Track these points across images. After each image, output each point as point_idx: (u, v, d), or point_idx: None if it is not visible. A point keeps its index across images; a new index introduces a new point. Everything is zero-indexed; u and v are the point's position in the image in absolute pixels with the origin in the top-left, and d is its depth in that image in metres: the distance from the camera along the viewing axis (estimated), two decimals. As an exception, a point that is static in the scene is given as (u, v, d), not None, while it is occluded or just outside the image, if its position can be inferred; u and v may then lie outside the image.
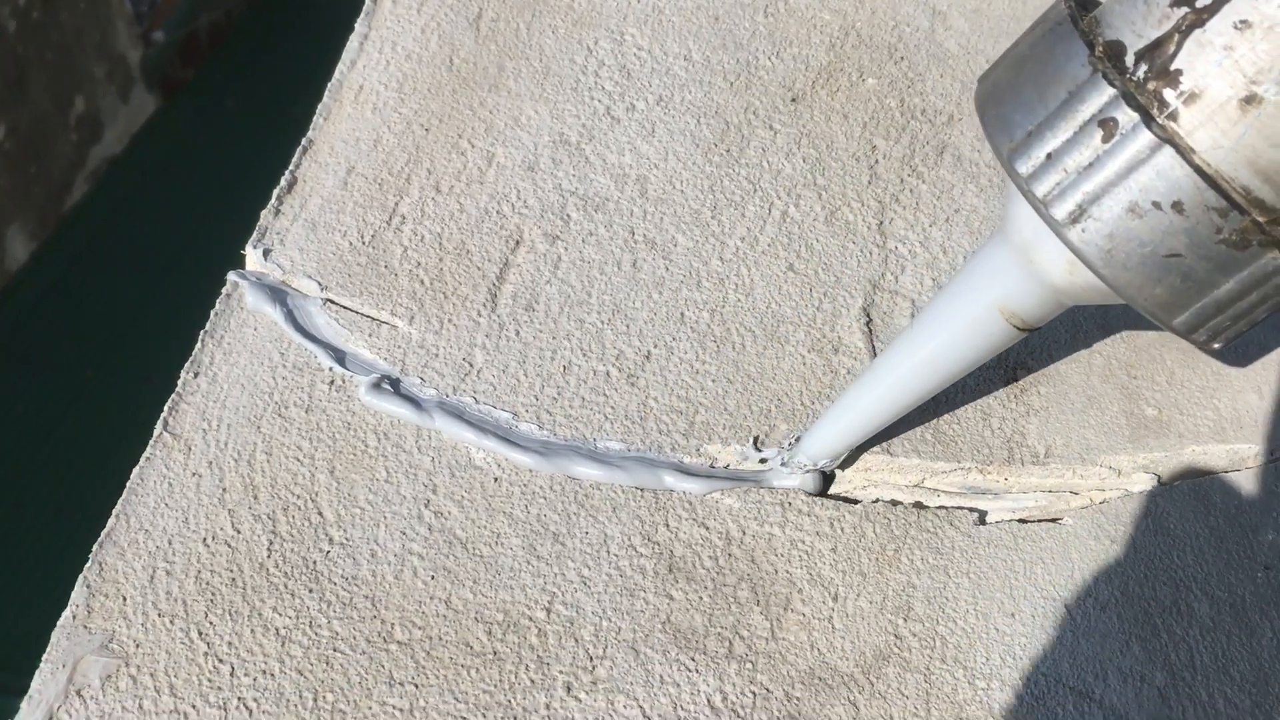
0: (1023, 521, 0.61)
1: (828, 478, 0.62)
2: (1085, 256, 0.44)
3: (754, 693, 0.55)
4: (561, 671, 0.55)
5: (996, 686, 0.56)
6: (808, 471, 0.61)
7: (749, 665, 0.56)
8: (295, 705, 0.54)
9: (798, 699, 0.55)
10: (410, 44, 0.79)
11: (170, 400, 0.63)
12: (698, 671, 0.55)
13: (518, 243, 0.70)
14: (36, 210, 3.18)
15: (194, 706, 0.53)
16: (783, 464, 0.62)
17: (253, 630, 0.56)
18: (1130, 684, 0.56)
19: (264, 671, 0.54)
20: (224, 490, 0.60)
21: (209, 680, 0.54)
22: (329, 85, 0.77)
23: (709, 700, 0.55)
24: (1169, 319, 0.45)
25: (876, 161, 0.75)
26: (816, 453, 0.61)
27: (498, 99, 0.76)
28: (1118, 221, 0.43)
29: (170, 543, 0.58)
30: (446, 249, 0.69)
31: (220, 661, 0.55)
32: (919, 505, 0.61)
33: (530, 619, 0.57)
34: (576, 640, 0.56)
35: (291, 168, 0.72)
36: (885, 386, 0.57)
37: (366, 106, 0.75)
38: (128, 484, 0.60)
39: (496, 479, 0.61)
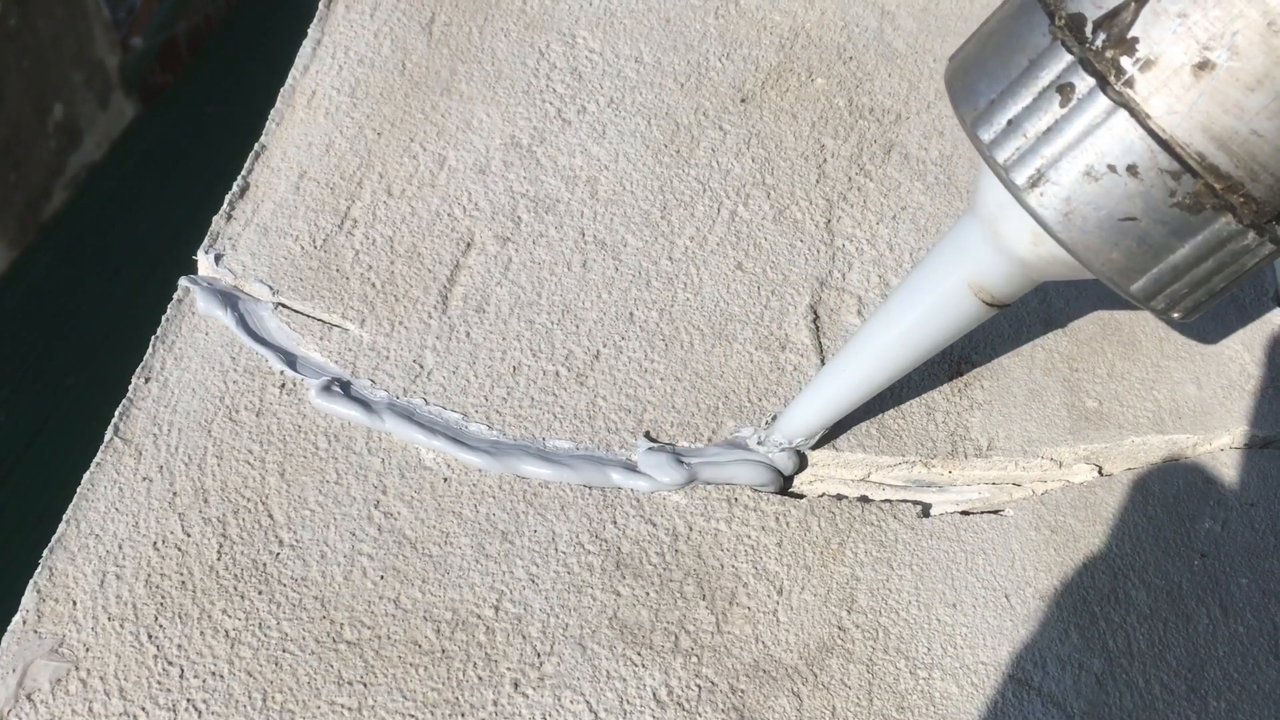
0: (965, 513, 0.62)
1: (802, 457, 0.63)
2: (1044, 220, 0.44)
3: (699, 686, 0.56)
4: (509, 668, 0.56)
5: (938, 676, 0.56)
6: (783, 450, 0.62)
7: (694, 659, 0.57)
8: (244, 706, 0.54)
9: (742, 691, 0.56)
10: (363, 49, 0.80)
11: (121, 405, 0.63)
12: (644, 666, 0.56)
13: (469, 245, 0.70)
14: (16, 218, 3.17)
15: (144, 709, 0.54)
16: (759, 443, 0.62)
17: (202, 633, 0.56)
18: (1068, 671, 0.57)
19: (213, 673, 0.55)
20: (174, 494, 0.60)
21: (158, 682, 0.55)
22: (281, 91, 0.77)
23: (654, 694, 0.55)
24: (1126, 285, 0.45)
25: (825, 160, 0.76)
26: (792, 431, 0.61)
27: (450, 103, 0.77)
28: (1074, 185, 0.43)
29: (120, 547, 0.58)
30: (398, 252, 0.70)
31: (170, 664, 0.55)
32: (864, 499, 0.62)
33: (479, 617, 0.57)
34: (524, 637, 0.57)
35: (244, 173, 0.73)
36: (860, 363, 0.57)
37: (319, 111, 0.76)
38: (78, 489, 0.60)
39: (446, 479, 0.62)
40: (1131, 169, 0.42)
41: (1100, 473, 0.64)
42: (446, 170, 0.74)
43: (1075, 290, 0.70)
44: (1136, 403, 0.65)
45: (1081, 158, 0.43)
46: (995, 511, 0.62)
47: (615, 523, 0.61)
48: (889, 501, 0.62)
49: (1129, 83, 0.41)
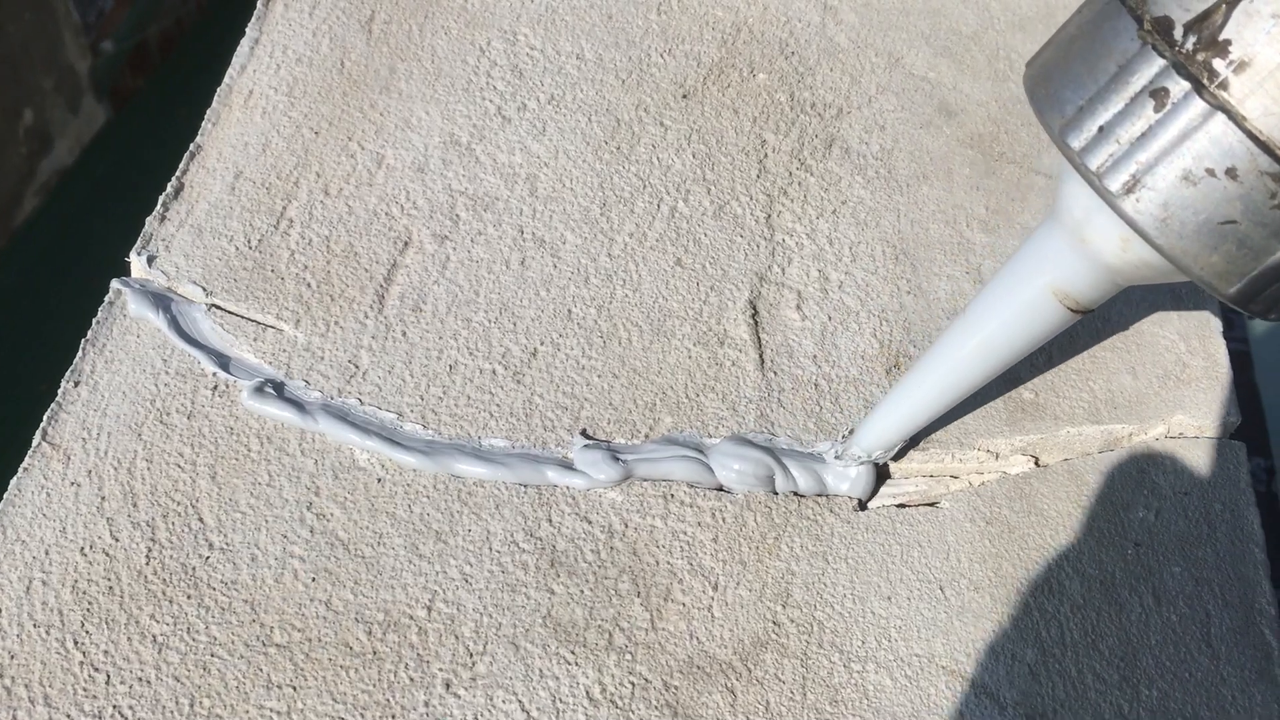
0: (902, 506, 0.62)
1: (881, 470, 0.63)
2: (1140, 226, 0.44)
3: (633, 683, 0.56)
4: (441, 669, 0.55)
5: (871, 669, 0.56)
6: (862, 463, 0.61)
7: (628, 656, 0.56)
8: (171, 711, 0.54)
9: (676, 688, 0.55)
10: (301, 47, 0.79)
11: (50, 410, 0.62)
12: (577, 664, 0.56)
13: (406, 244, 0.70)
14: (-14, 225, 3.13)
15: (69, 716, 0.53)
16: (836, 457, 0.62)
17: (129, 638, 0.55)
18: (1001, 662, 0.57)
19: (140, 679, 0.54)
20: (103, 499, 0.59)
21: (84, 689, 0.54)
22: (218, 90, 0.76)
23: (587, 692, 0.55)
24: (1225, 288, 0.45)
25: (766, 155, 0.76)
26: (870, 445, 0.61)
27: (389, 101, 0.76)
28: (1172, 190, 0.43)
29: (47, 553, 0.58)
30: (334, 252, 0.69)
31: (96, 670, 0.54)
32: (799, 494, 0.62)
33: (411, 618, 0.57)
34: (457, 637, 0.56)
35: (178, 174, 0.72)
36: (939, 375, 0.57)
37: (256, 111, 0.75)
38: (5, 495, 0.59)
39: (380, 480, 0.61)
40: (1230, 172, 0.42)
41: (1037, 464, 0.64)
42: (385, 169, 0.73)
43: (1013, 282, 0.70)
44: (1072, 394, 0.65)
45: (1179, 162, 0.43)
46: (932, 504, 0.62)
47: (550, 521, 0.60)
48: (825, 496, 0.62)
49: (1223, 85, 0.41)
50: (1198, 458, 0.64)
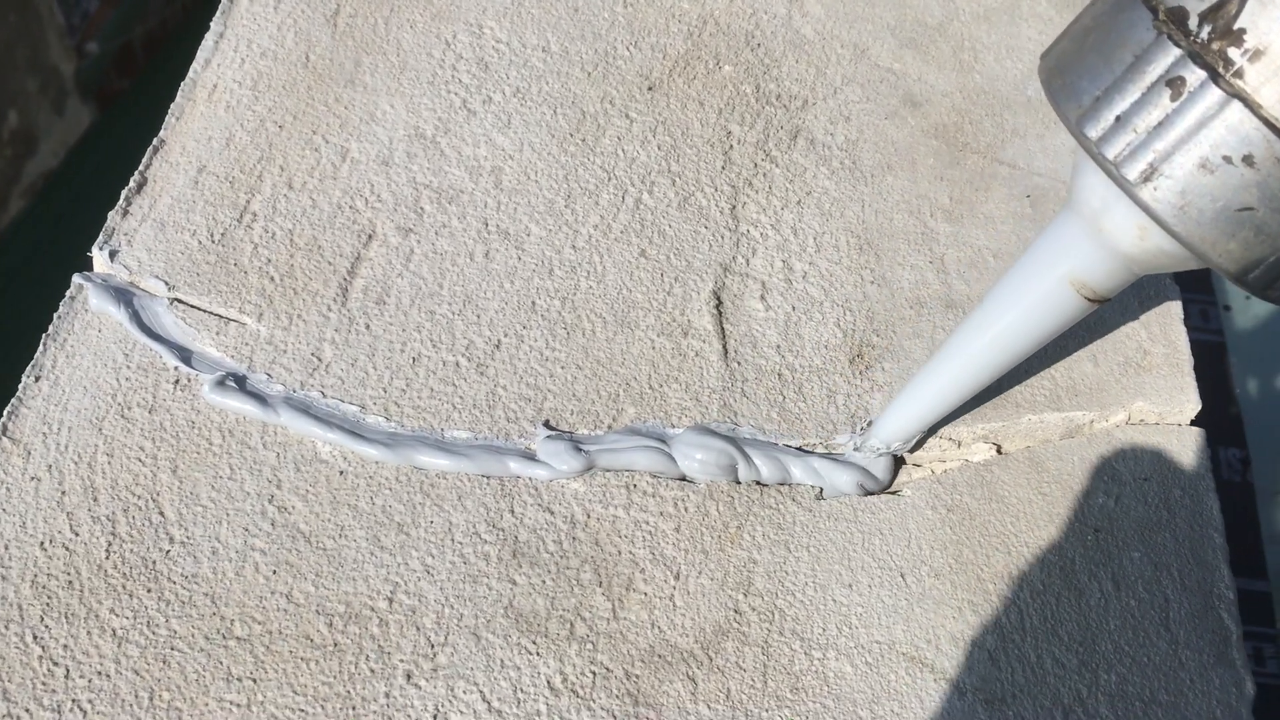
0: (865, 494, 0.62)
1: (898, 461, 0.63)
2: (1158, 215, 0.45)
3: (594, 672, 0.56)
4: (402, 660, 0.55)
5: (832, 656, 0.57)
6: (881, 455, 0.62)
7: (589, 646, 0.56)
8: (131, 705, 0.53)
9: (637, 676, 0.56)
10: (266, 41, 0.79)
11: (10, 405, 0.62)
12: (538, 654, 0.56)
13: (370, 237, 0.70)
14: (-29, 229, 3.11)
15: (27, 710, 0.53)
16: (856, 449, 0.62)
17: (89, 632, 0.55)
18: (961, 648, 0.57)
19: (99, 673, 0.54)
20: (63, 493, 0.59)
21: (43, 683, 0.54)
22: (182, 85, 0.76)
23: (549, 682, 0.55)
24: (1243, 274, 0.45)
25: (731, 147, 0.76)
26: (889, 436, 0.61)
27: (353, 94, 0.76)
28: (1190, 178, 0.43)
29: (6, 548, 0.57)
30: (298, 245, 0.69)
31: (55, 664, 0.54)
32: (760, 483, 0.62)
33: (372, 609, 0.57)
34: (418, 628, 0.56)
35: (141, 168, 0.72)
36: (958, 366, 0.57)
37: (220, 105, 0.75)
38: (-36, 491, 0.59)
39: (342, 472, 0.61)
40: (1248, 159, 0.42)
41: (999, 451, 0.64)
42: (349, 162, 0.73)
43: (976, 272, 0.70)
44: (1034, 381, 0.66)
45: (1196, 150, 0.43)
46: (893, 492, 0.63)
47: (513, 512, 0.60)
48: (787, 484, 0.62)
49: (1239, 73, 0.41)
50: (1158, 444, 0.64)
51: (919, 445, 0.63)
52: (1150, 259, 0.49)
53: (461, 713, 0.54)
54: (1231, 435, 1.28)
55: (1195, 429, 0.65)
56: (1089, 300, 0.52)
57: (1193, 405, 0.65)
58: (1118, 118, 0.44)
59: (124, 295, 0.66)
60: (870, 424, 0.63)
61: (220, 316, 0.66)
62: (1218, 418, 1.31)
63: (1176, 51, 0.43)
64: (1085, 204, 0.49)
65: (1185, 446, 0.64)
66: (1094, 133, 0.45)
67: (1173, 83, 0.43)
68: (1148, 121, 0.44)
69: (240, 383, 0.63)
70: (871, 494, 0.62)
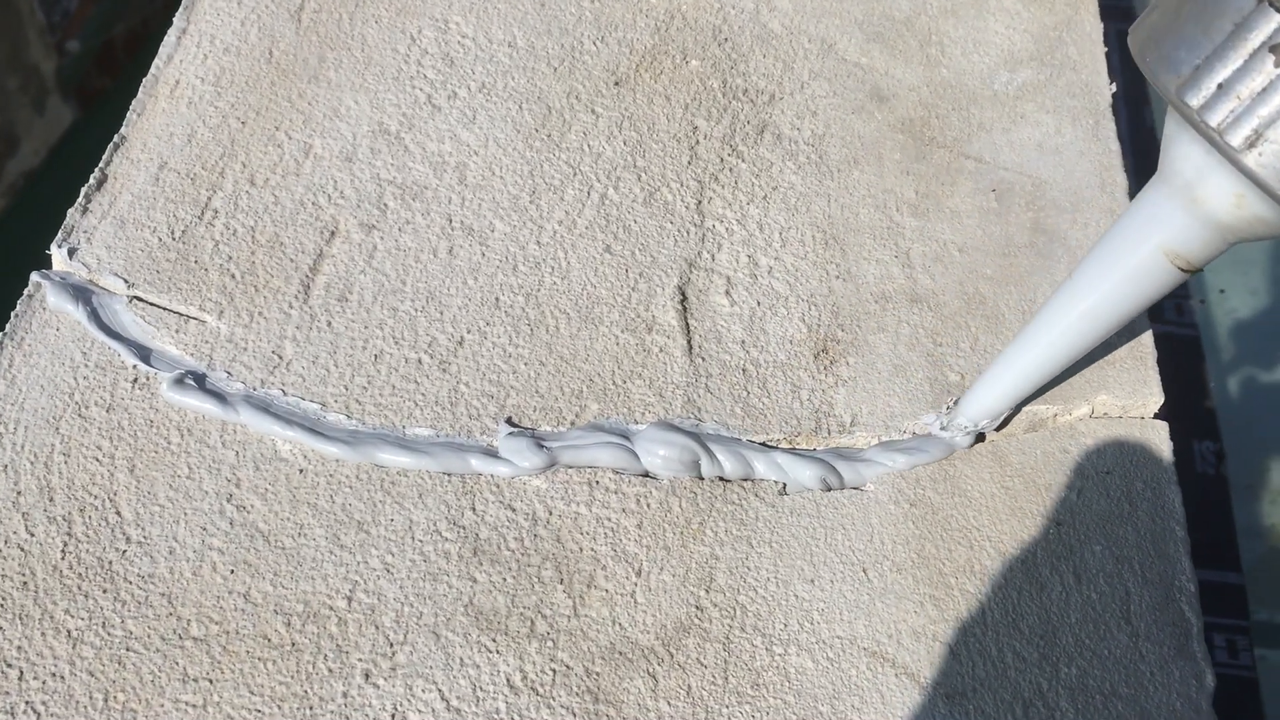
0: (827, 489, 0.62)
1: (980, 438, 0.63)
2: (1263, 180, 0.45)
3: (554, 670, 0.55)
4: (360, 659, 0.55)
5: (793, 651, 0.56)
6: (968, 433, 0.62)
7: (550, 643, 0.56)
8: (85, 706, 0.53)
9: (597, 674, 0.55)
10: (229, 37, 0.78)
11: (-35, 405, 0.61)
12: (498, 652, 0.56)
13: (333, 233, 0.69)
14: (-52, 229, 3.08)
15: (-20, 713, 0.52)
16: (942, 428, 0.62)
17: (43, 633, 0.55)
18: (922, 642, 0.57)
19: (54, 674, 0.54)
20: (19, 494, 0.59)
21: (-4, 686, 0.53)
22: (144, 81, 0.76)
23: (508, 680, 0.55)
24: None
25: (697, 142, 0.75)
26: (977, 414, 0.61)
27: (317, 90, 0.76)
28: None
29: (-40, 549, 0.57)
30: (259, 242, 0.69)
31: (8, 666, 0.54)
32: (723, 478, 0.62)
33: (331, 608, 0.56)
34: (377, 627, 0.56)
35: (102, 165, 0.71)
36: (1047, 342, 0.57)
37: (182, 101, 0.74)
38: (-82, 491, 0.59)
39: (302, 470, 0.61)
40: None
41: (962, 446, 0.64)
42: (312, 158, 0.73)
43: (941, 266, 0.70)
44: (998, 375, 0.66)
45: None
46: (856, 487, 0.62)
47: (474, 509, 0.60)
48: (750, 480, 0.62)
49: None
50: (1121, 437, 0.64)
51: (1005, 423, 0.63)
52: (1246, 227, 0.49)
53: (420, 711, 0.54)
54: (1206, 429, 1.28)
55: (1158, 422, 0.65)
56: (1182, 270, 0.52)
57: (1156, 399, 0.65)
58: (1220, 85, 0.45)
59: (83, 293, 0.65)
60: (956, 402, 0.63)
61: (180, 314, 0.66)
62: (1192, 412, 1.31)
63: (1279, 18, 0.43)
64: (1178, 174, 0.49)
65: (1148, 440, 0.64)
66: (1195, 101, 0.45)
67: (1276, 49, 0.43)
68: (1251, 88, 0.44)
69: (199, 381, 0.63)
70: (834, 489, 0.62)
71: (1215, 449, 1.27)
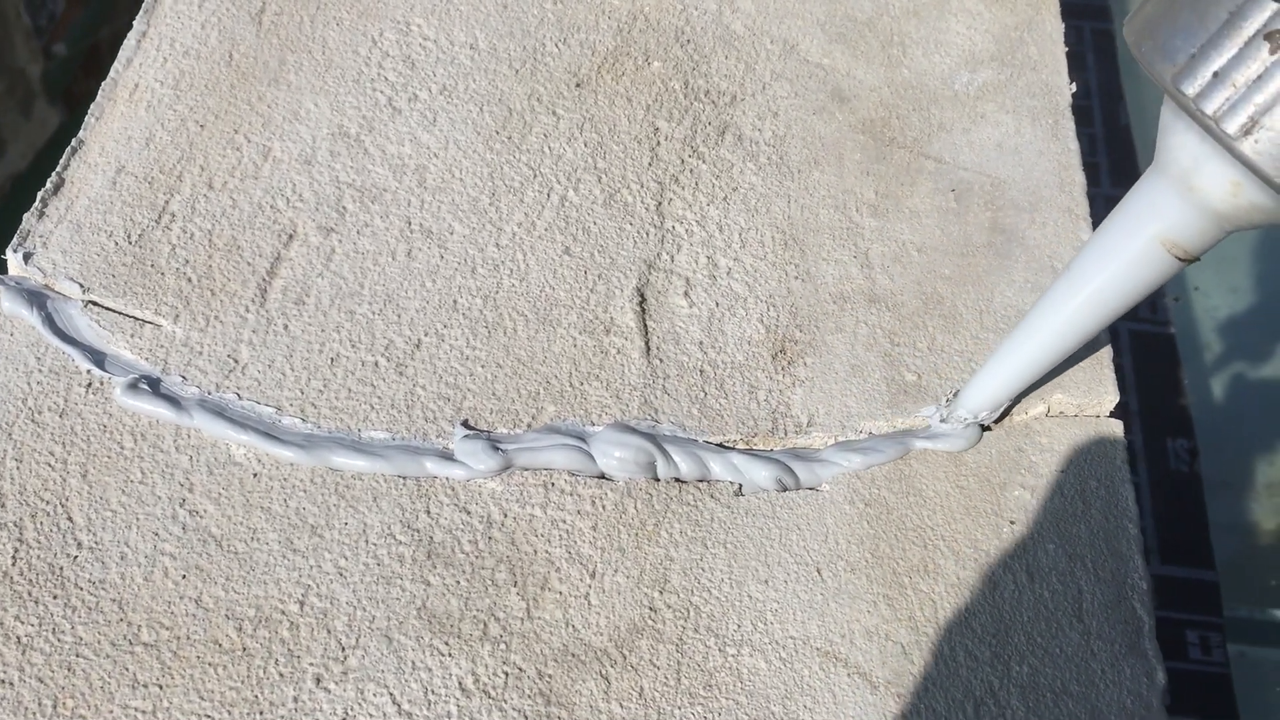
0: (783, 490, 0.62)
1: (984, 431, 0.63)
2: (1259, 167, 0.45)
3: (506, 673, 0.55)
4: (312, 664, 0.55)
5: (746, 652, 0.56)
6: (968, 425, 0.62)
7: (503, 646, 0.56)
8: (34, 713, 0.53)
9: (550, 676, 0.55)
10: (189, 40, 0.78)
11: (-83, 411, 0.61)
12: (451, 655, 0.56)
13: (291, 237, 0.69)
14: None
15: (-72, 721, 0.52)
16: (941, 420, 0.62)
17: (-7, 640, 0.55)
18: (875, 642, 0.57)
19: (2, 680, 0.53)
20: (-30, 499, 0.58)
21: (-55, 693, 0.53)
22: (103, 85, 0.75)
23: (460, 683, 0.55)
24: None
25: (658, 144, 0.75)
26: (976, 405, 0.61)
27: (277, 93, 0.76)
28: None
29: (-90, 556, 0.57)
30: (216, 246, 0.69)
31: (-43, 673, 0.54)
32: (679, 479, 0.62)
33: (283, 613, 0.56)
34: (329, 631, 0.56)
35: (59, 169, 0.71)
36: (1046, 333, 0.57)
37: (140, 105, 0.74)
38: None
39: (256, 474, 0.61)
40: None
41: (918, 445, 0.64)
42: (271, 161, 0.72)
43: (900, 266, 0.70)
44: (955, 375, 0.66)
45: None
46: (812, 488, 0.63)
47: (429, 512, 0.60)
48: (707, 481, 0.62)
49: None
50: (1076, 436, 0.64)
51: (1005, 414, 0.63)
52: (1243, 215, 0.49)
53: (371, 715, 0.54)
54: (1180, 426, 1.29)
55: (1113, 420, 0.65)
56: (1180, 259, 0.52)
57: (1111, 397, 0.65)
58: (1215, 73, 0.45)
59: (38, 298, 0.65)
60: (956, 394, 0.63)
61: (135, 319, 0.66)
62: (1166, 409, 1.32)
63: (1273, 6, 0.43)
64: (1174, 163, 0.49)
65: (1103, 438, 0.64)
66: (1191, 89, 0.45)
67: (1271, 36, 0.43)
68: (1246, 75, 0.44)
69: (154, 385, 0.63)
70: (789, 490, 0.62)
71: (1189, 446, 1.27)
